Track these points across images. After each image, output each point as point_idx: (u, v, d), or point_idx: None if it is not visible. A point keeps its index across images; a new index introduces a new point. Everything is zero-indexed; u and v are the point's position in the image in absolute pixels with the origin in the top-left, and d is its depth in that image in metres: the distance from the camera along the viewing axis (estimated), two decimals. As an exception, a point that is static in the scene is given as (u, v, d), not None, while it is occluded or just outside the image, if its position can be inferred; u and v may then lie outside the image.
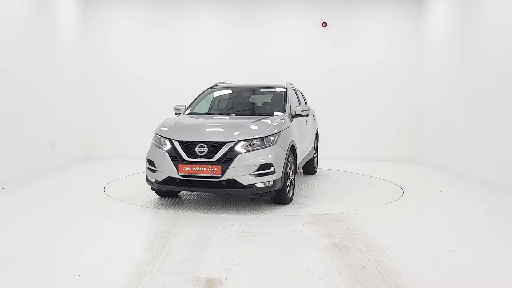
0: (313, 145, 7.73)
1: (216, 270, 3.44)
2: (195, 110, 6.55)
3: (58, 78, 8.60)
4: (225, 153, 5.06)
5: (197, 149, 5.13)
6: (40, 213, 5.17)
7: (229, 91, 7.04)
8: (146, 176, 5.58)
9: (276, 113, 6.12)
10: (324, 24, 10.15)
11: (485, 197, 6.41)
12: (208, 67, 10.08)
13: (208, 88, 7.06)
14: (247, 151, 5.09)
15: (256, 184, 5.08)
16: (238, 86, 7.11)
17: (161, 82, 10.17)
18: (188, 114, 6.39)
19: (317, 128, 8.29)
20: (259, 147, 5.17)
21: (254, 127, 5.41)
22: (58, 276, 3.35)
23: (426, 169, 9.05)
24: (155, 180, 5.39)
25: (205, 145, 5.12)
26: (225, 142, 5.11)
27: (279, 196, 5.46)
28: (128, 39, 10.13)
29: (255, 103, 6.84)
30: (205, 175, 5.05)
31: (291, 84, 7.15)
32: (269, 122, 5.59)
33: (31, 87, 7.49)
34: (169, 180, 5.26)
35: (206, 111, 6.67)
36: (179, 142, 5.25)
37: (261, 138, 5.24)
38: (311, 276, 3.36)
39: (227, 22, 10.22)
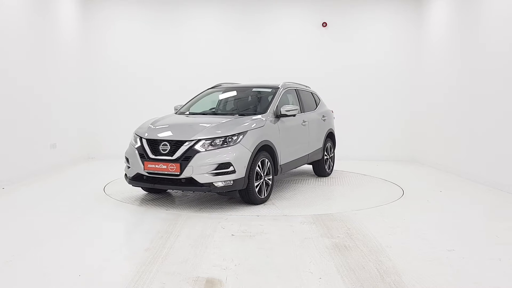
0: (320, 146, 7.50)
1: (216, 270, 3.44)
2: (186, 110, 6.68)
3: (58, 78, 8.60)
4: (185, 152, 5.17)
5: (160, 147, 5.30)
6: (40, 213, 5.17)
7: (222, 91, 7.07)
8: (125, 173, 5.79)
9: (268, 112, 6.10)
10: (324, 24, 10.15)
11: (485, 197, 6.40)
12: (209, 67, 10.09)
13: (208, 88, 7.14)
14: (206, 150, 5.16)
15: (214, 183, 5.12)
16: (232, 86, 7.14)
17: (161, 82, 10.17)
18: (176, 113, 6.61)
19: (330, 129, 7.95)
20: (220, 146, 5.20)
21: (219, 126, 5.43)
22: (58, 276, 3.35)
23: (426, 169, 9.05)
24: (129, 176, 5.62)
25: (168, 144, 5.28)
26: (185, 141, 5.22)
27: (246, 196, 5.46)
28: (128, 39, 10.13)
29: (242, 103, 6.83)
30: (166, 172, 5.20)
31: (293, 83, 7.11)
32: (238, 121, 5.58)
33: (31, 87, 7.49)
34: (138, 177, 5.49)
35: (195, 110, 6.70)
36: (147, 140, 5.46)
37: (223, 138, 5.26)
38: (311, 276, 3.36)
39: (228, 22, 10.22)
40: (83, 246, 4.09)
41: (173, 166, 5.14)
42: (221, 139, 5.24)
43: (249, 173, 5.31)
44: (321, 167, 7.69)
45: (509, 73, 6.59)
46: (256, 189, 5.48)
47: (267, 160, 5.68)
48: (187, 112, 6.59)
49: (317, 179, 7.62)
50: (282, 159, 6.14)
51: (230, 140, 5.27)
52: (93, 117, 10.15)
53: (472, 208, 5.76)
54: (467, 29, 7.94)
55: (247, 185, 5.33)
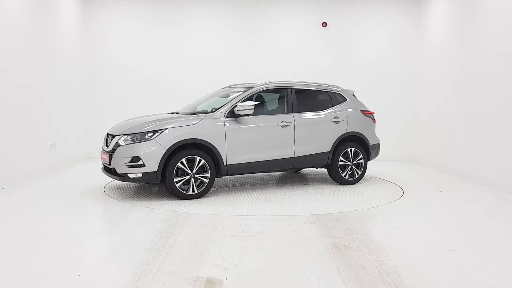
0: (326, 150, 6.81)
1: (216, 270, 3.44)
2: (181, 110, 7.07)
3: (58, 78, 8.60)
4: (114, 145, 5.85)
5: (107, 140, 6.11)
6: (40, 213, 5.17)
7: (214, 92, 7.39)
8: None
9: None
10: (324, 24, 10.15)
11: (485, 197, 6.41)
12: (210, 67, 10.08)
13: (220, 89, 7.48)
14: (126, 144, 5.75)
15: (128, 174, 5.71)
16: (228, 87, 7.28)
17: (162, 82, 10.17)
18: (168, 112, 7.11)
19: (350, 132, 7.02)
20: (136, 142, 5.73)
21: (146, 123, 5.91)
22: (58, 276, 3.35)
23: (426, 169, 9.05)
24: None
25: (110, 138, 6.07)
26: (115, 135, 5.93)
27: (170, 190, 5.80)
28: (128, 39, 10.13)
29: (216, 103, 6.82)
30: (105, 162, 6.04)
31: (289, 82, 6.84)
32: (163, 119, 5.99)
33: (31, 87, 7.49)
34: (103, 166, 6.32)
35: (186, 110, 6.90)
36: (107, 134, 6.25)
37: (142, 134, 5.76)
38: (311, 276, 3.37)
39: (229, 22, 10.21)
40: (83, 246, 4.09)
41: (106, 158, 5.93)
42: (140, 135, 5.75)
43: (163, 168, 5.70)
44: (335, 173, 6.98)
45: (510, 73, 6.59)
46: (178, 185, 5.75)
47: (199, 158, 5.83)
48: (176, 112, 6.93)
49: (316, 178, 7.61)
50: (232, 159, 6.08)
51: (146, 136, 5.73)
52: (93, 117, 10.15)
53: (472, 208, 5.76)
54: (468, 30, 7.94)
55: (165, 180, 5.73)
